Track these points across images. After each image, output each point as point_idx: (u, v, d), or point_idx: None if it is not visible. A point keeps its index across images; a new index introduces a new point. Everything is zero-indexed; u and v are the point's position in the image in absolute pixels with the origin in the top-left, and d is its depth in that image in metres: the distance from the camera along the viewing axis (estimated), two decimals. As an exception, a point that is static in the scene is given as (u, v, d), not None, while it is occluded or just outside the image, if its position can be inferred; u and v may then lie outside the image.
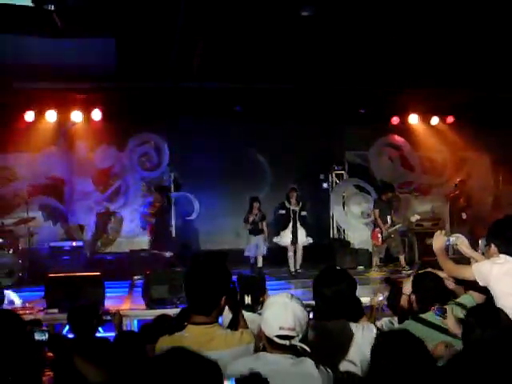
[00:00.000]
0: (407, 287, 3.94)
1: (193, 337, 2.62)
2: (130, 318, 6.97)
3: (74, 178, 11.28)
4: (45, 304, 7.22)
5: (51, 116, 10.77)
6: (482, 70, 9.37)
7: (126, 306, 7.82)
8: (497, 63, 9.15)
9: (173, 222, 11.75)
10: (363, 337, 2.87)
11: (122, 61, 8.77)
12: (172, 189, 11.79)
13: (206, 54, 8.71)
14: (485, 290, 3.53)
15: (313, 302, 3.13)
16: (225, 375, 1.72)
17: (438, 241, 3.88)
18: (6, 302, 7.37)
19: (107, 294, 7.48)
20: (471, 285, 3.63)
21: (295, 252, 10.46)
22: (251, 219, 10.32)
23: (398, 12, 7.45)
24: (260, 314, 2.60)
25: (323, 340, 2.75)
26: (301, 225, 10.39)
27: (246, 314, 3.11)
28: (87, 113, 10.87)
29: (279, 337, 2.29)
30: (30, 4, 6.45)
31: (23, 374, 2.41)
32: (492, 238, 3.67)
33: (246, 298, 4.17)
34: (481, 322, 2.61)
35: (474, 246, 4.14)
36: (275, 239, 10.53)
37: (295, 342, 2.30)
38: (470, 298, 3.61)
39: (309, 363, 2.33)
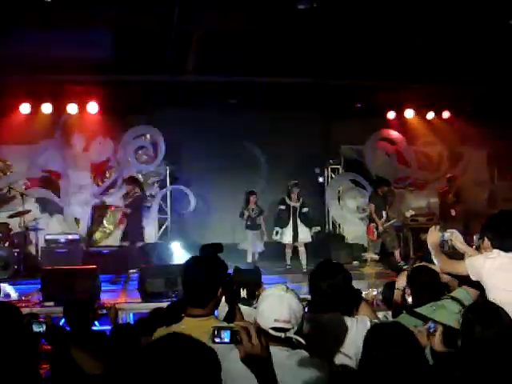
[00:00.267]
0: (401, 282, 3.98)
1: (189, 329, 2.63)
2: (125, 311, 6.99)
3: (70, 171, 11.23)
4: (41, 297, 7.24)
5: (47, 108, 10.74)
6: (477, 65, 9.39)
7: (122, 299, 7.84)
8: (492, 58, 9.18)
9: (168, 216, 11.77)
10: (357, 330, 2.89)
11: (120, 53, 8.75)
12: (168, 182, 11.80)
13: (203, 47, 8.70)
14: (478, 285, 3.56)
15: (307, 296, 3.15)
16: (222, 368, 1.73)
17: (433, 236, 3.91)
18: (1, 295, 7.40)
19: (102, 288, 7.49)
20: (465, 280, 3.66)
21: (295, 250, 10.15)
22: (247, 214, 10.08)
23: (394, 7, 7.46)
24: (255, 307, 2.62)
25: (318, 333, 2.77)
26: (301, 221, 10.06)
27: (242, 308, 3.12)
28: (83, 105, 10.85)
29: (274, 329, 2.31)
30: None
31: (21, 366, 2.43)
32: (486, 232, 3.69)
33: (242, 291, 4.19)
34: (480, 319, 2.62)
35: (469, 241, 4.16)
36: (275, 237, 10.13)
37: (290, 334, 2.32)
38: (465, 293, 3.63)
39: (304, 355, 2.35)
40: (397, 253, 10.41)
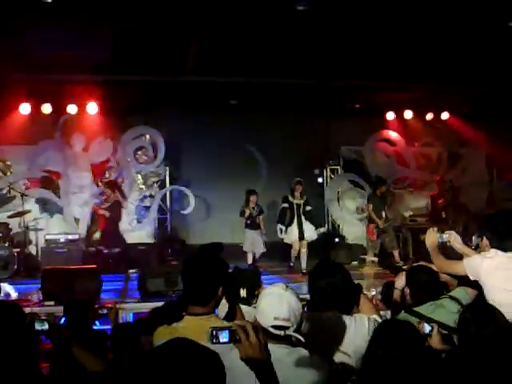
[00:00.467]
0: (400, 281, 4.00)
1: (190, 327, 2.66)
2: (125, 311, 6.99)
3: (69, 171, 11.25)
4: (41, 296, 7.24)
5: (47, 109, 10.75)
6: (476, 67, 9.41)
7: (122, 299, 7.84)
8: (491, 60, 9.20)
9: (168, 216, 11.78)
10: (356, 329, 2.91)
11: (120, 54, 8.77)
12: (167, 183, 11.82)
13: (203, 48, 8.72)
14: (476, 286, 3.58)
15: (306, 296, 3.17)
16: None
17: (431, 237, 3.93)
18: (2, 294, 7.40)
19: (103, 287, 7.50)
20: (463, 280, 3.68)
21: (300, 249, 9.94)
22: (247, 213, 9.93)
23: (393, 7, 7.48)
24: (255, 307, 2.63)
25: (317, 331, 2.79)
26: (306, 219, 9.91)
27: (242, 307, 3.14)
28: (83, 106, 10.87)
29: (274, 327, 2.33)
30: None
31: (24, 365, 2.44)
32: (485, 231, 3.71)
33: (242, 291, 4.20)
34: (477, 319, 2.64)
35: (467, 242, 4.18)
36: (280, 235, 9.99)
37: (289, 332, 2.34)
38: (464, 292, 3.64)
39: (304, 353, 2.37)
40: (396, 253, 10.41)
